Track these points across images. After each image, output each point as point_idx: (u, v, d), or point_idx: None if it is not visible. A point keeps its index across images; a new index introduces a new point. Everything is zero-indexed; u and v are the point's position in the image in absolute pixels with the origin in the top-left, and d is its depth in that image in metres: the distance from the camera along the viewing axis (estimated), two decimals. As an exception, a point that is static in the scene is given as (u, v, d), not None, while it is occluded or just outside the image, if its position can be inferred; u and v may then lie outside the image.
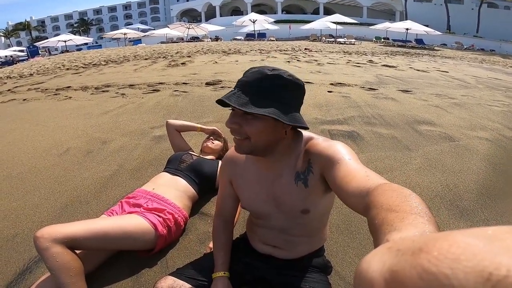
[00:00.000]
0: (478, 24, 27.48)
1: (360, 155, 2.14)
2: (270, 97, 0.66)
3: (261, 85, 0.66)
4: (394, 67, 6.62)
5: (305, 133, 0.79)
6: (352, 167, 0.61)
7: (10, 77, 7.86)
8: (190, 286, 0.88)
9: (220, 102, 0.68)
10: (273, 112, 0.65)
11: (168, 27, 21.16)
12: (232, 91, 0.67)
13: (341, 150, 0.68)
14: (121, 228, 1.12)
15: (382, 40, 19.27)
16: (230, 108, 0.70)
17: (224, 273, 0.89)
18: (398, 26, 18.27)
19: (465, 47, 20.12)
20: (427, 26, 19.60)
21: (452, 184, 1.77)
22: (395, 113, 3.06)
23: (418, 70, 6.37)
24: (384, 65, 6.80)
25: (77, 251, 1.01)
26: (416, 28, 17.50)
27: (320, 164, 0.70)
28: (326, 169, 0.67)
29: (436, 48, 17.23)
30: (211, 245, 1.22)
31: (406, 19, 21.05)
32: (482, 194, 1.68)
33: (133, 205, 1.32)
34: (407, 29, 17.37)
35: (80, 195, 1.71)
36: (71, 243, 0.98)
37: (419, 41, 17.98)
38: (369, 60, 7.67)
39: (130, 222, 1.17)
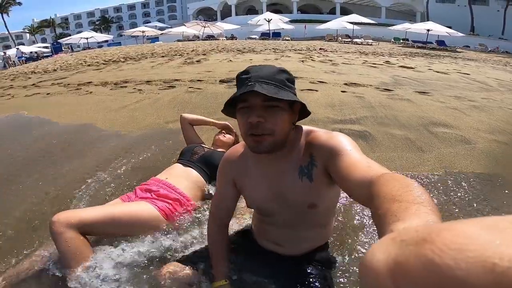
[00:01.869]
0: (504, 26, 26.17)
1: (371, 154, 2.13)
2: (286, 88, 0.69)
3: (277, 77, 0.68)
4: (412, 68, 6.44)
5: (305, 126, 0.79)
6: (354, 158, 0.61)
7: (35, 72, 8.27)
8: (195, 271, 0.91)
9: (233, 100, 0.69)
10: (299, 99, 0.70)
11: (185, 25, 21.54)
12: (250, 84, 0.66)
13: (342, 141, 0.68)
14: (131, 214, 1.18)
15: (401, 41, 18.73)
16: (244, 105, 0.69)
17: (225, 281, 0.88)
18: (418, 27, 17.67)
19: (489, 49, 19.22)
20: (449, 27, 18.86)
21: (465, 187, 1.73)
22: (410, 114, 3.00)
23: (438, 72, 6.17)
24: (401, 66, 6.63)
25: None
26: (437, 29, 16.87)
27: (322, 156, 0.70)
28: (329, 161, 0.67)
29: (458, 50, 16.57)
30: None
31: (428, 20, 20.34)
32: (494, 200, 1.63)
33: (145, 190, 1.38)
34: (428, 30, 16.78)
35: (99, 181, 1.81)
36: (84, 229, 1.04)
37: (441, 42, 17.32)
38: (386, 61, 7.50)
39: (140, 209, 1.23)
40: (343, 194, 1.25)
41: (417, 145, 2.30)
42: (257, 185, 0.83)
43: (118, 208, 1.21)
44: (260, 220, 0.93)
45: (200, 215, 1.46)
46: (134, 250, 1.21)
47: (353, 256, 1.17)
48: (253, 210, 0.97)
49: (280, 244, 0.90)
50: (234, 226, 1.25)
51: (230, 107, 0.73)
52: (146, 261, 1.18)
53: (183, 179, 1.49)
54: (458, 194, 1.66)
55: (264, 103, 0.67)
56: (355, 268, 1.10)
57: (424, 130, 2.61)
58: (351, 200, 1.51)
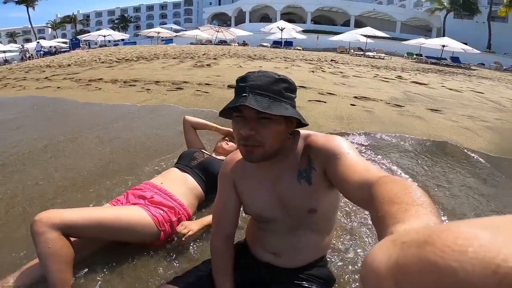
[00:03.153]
0: (521, 44, 25.71)
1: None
2: (283, 99, 0.68)
3: (273, 88, 0.66)
4: (424, 84, 6.33)
5: (302, 130, 0.79)
6: (353, 160, 0.61)
7: (50, 66, 8.48)
8: None
9: (225, 110, 0.68)
10: (294, 113, 0.68)
11: (199, 29, 21.85)
12: (243, 95, 0.65)
13: (340, 144, 0.67)
14: (121, 219, 1.10)
15: (415, 56, 18.53)
16: (238, 114, 0.68)
17: None
18: (433, 43, 17.45)
19: (504, 67, 18.83)
20: (465, 43, 18.59)
21: (472, 207, 1.63)
22: (421, 132, 2.91)
23: (451, 89, 6.04)
24: (413, 82, 6.52)
25: (72, 239, 1.00)
26: (453, 45, 16.61)
27: (321, 159, 0.70)
28: (327, 164, 0.67)
29: (472, 67, 16.29)
30: (179, 228, 1.19)
31: (444, 36, 20.09)
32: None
33: (139, 197, 1.31)
34: (443, 46, 16.56)
35: (93, 178, 1.78)
36: (68, 230, 0.97)
37: (455, 59, 17.06)
38: (398, 76, 7.40)
39: (132, 214, 1.16)
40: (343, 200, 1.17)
41: (425, 163, 2.20)
42: (256, 190, 0.81)
43: (106, 211, 1.15)
44: (258, 228, 0.89)
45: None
46: (118, 251, 1.17)
47: (351, 268, 1.12)
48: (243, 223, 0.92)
49: (278, 254, 0.86)
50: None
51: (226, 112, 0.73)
52: (130, 267, 1.13)
53: (180, 185, 1.43)
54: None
55: (257, 115, 0.66)
56: (353, 279, 1.03)
57: (435, 148, 2.51)
58: (350, 209, 1.44)
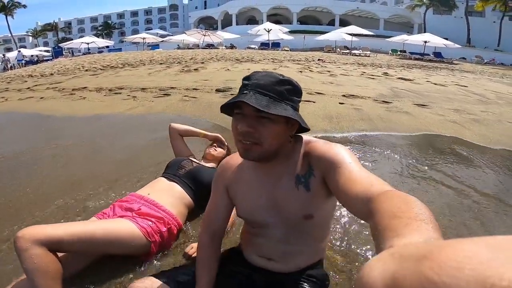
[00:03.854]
0: (499, 38, 26.64)
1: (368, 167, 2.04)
2: (284, 100, 0.67)
3: (276, 89, 0.66)
4: (410, 80, 6.45)
5: (305, 136, 0.78)
6: (354, 171, 0.59)
7: (32, 76, 8.23)
8: (170, 284, 0.83)
9: (226, 106, 0.69)
10: (293, 114, 0.67)
11: (186, 33, 21.73)
12: (244, 92, 0.66)
13: (342, 153, 0.67)
14: (108, 232, 1.07)
15: (399, 53, 18.95)
16: (239, 111, 0.68)
17: None
18: (416, 39, 17.93)
19: (485, 61, 19.48)
20: (446, 39, 19.13)
21: (462, 197, 1.64)
22: (409, 127, 2.94)
23: (436, 84, 6.18)
24: (399, 78, 6.64)
25: (60, 254, 0.97)
26: (434, 41, 17.12)
27: (321, 167, 0.69)
28: (327, 172, 0.66)
29: (455, 62, 16.77)
30: (187, 249, 1.22)
31: (425, 32, 20.68)
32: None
33: (126, 209, 1.27)
34: (425, 42, 17.02)
35: (79, 191, 1.70)
36: (54, 246, 0.94)
37: (438, 54, 17.56)
38: (384, 73, 7.52)
39: (119, 227, 1.12)
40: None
41: (415, 156, 2.22)
42: (251, 194, 0.80)
43: (93, 224, 1.11)
44: (251, 233, 0.88)
45: (185, 233, 1.37)
46: (111, 266, 1.15)
47: (347, 273, 1.10)
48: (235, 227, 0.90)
49: (272, 259, 0.84)
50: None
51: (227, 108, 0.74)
52: (123, 280, 1.10)
53: (167, 195, 1.39)
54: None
55: (256, 113, 0.66)
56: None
57: (423, 142, 2.54)
58: (347, 215, 1.43)
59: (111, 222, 1.17)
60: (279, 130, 0.68)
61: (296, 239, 0.81)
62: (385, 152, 2.29)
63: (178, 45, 21.96)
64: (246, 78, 0.70)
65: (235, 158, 0.86)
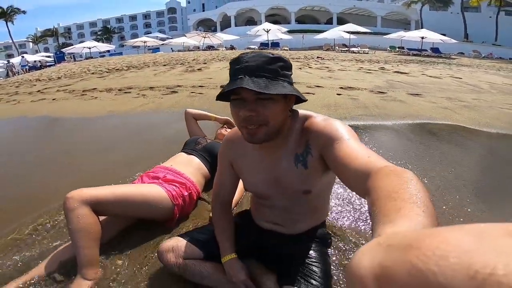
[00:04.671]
0: (496, 32, 26.79)
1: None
2: (279, 78, 0.68)
3: (269, 68, 0.67)
4: (406, 73, 6.65)
5: (301, 111, 0.79)
6: (352, 147, 0.59)
7: (40, 80, 8.48)
8: (194, 246, 0.93)
9: (223, 94, 0.70)
10: (291, 90, 0.68)
11: (185, 35, 21.98)
12: (239, 77, 0.65)
13: (340, 129, 0.66)
14: (141, 194, 1.22)
15: (397, 49, 19.14)
16: (237, 97, 0.68)
17: (234, 255, 0.89)
18: (413, 35, 18.10)
19: (483, 55, 19.63)
20: (444, 34, 19.30)
21: (452, 174, 1.86)
22: (402, 113, 3.16)
23: (431, 77, 6.37)
24: (395, 72, 6.85)
25: (100, 218, 1.08)
26: (431, 36, 17.28)
27: (318, 144, 0.70)
28: (325, 149, 0.66)
29: (452, 56, 16.94)
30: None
31: (422, 28, 20.89)
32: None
33: (153, 178, 1.45)
34: (422, 37, 17.20)
35: (106, 176, 1.93)
36: (97, 206, 1.05)
37: (435, 49, 17.72)
38: (381, 67, 7.73)
39: (150, 190, 1.28)
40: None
41: (407, 136, 2.45)
42: (254, 169, 0.85)
43: (129, 187, 1.26)
44: (257, 202, 0.95)
45: (202, 202, 1.55)
46: (139, 233, 1.28)
47: (348, 236, 1.23)
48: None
49: (278, 223, 0.92)
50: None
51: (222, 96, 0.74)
52: (151, 243, 1.24)
53: (187, 165, 1.58)
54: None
55: (255, 96, 0.66)
56: (349, 248, 1.17)
57: (415, 124, 2.77)
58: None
59: (143, 185, 1.33)
60: (280, 107, 0.68)
61: (297, 208, 0.87)
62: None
63: (171, 48, 22.25)
64: (235, 62, 0.68)
65: (238, 134, 0.85)
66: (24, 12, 37.47)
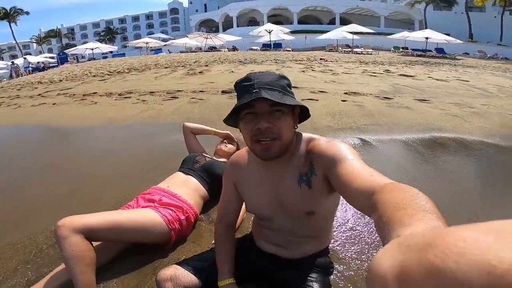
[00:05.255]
0: (501, 32, 26.46)
1: (371, 163, 2.15)
2: (287, 93, 0.73)
3: (279, 83, 0.72)
4: (411, 76, 6.52)
5: (305, 134, 0.81)
6: (356, 166, 0.60)
7: (41, 83, 8.46)
8: (192, 275, 0.91)
9: (234, 112, 0.73)
10: (301, 102, 0.73)
11: (188, 36, 21.96)
12: (254, 91, 0.68)
13: (343, 150, 0.68)
14: (135, 220, 1.19)
15: (401, 49, 18.93)
16: (249, 111, 0.71)
17: (232, 280, 0.89)
18: (417, 35, 17.90)
19: (488, 56, 19.38)
20: (448, 34, 19.08)
21: (461, 191, 1.75)
22: (410, 121, 3.04)
23: (437, 80, 6.24)
24: (401, 75, 6.71)
25: (94, 244, 1.07)
26: (436, 37, 17.06)
27: (322, 164, 0.71)
28: (329, 169, 0.67)
29: (457, 57, 16.71)
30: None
31: (426, 28, 20.67)
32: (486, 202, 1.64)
33: (148, 200, 1.40)
34: (426, 38, 16.99)
35: (99, 190, 1.85)
36: (89, 234, 1.04)
37: (440, 50, 17.49)
38: (386, 70, 7.60)
39: (143, 215, 1.24)
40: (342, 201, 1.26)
41: (417, 150, 2.33)
42: (257, 190, 0.85)
43: (122, 214, 1.22)
44: (260, 224, 0.94)
45: (200, 223, 1.49)
46: (131, 259, 1.24)
47: (352, 264, 1.18)
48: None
49: (280, 245, 0.91)
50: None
51: (232, 116, 0.76)
52: (147, 267, 1.20)
53: (184, 186, 1.51)
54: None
55: (270, 108, 0.69)
56: (353, 274, 1.11)
57: (424, 136, 2.64)
58: (350, 208, 1.54)
59: (136, 211, 1.28)
60: (290, 121, 0.73)
61: (300, 231, 0.86)
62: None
63: (168, 50, 22.24)
64: (246, 80, 0.72)
65: (242, 156, 0.90)
66: (27, 13, 37.63)
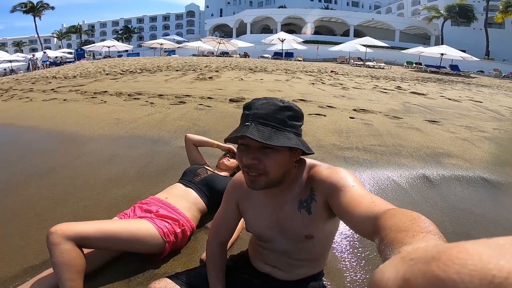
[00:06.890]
0: (519, 50, 25.90)
1: (375, 186, 2.09)
2: (286, 128, 0.69)
3: (277, 117, 0.68)
4: (423, 94, 6.40)
5: (308, 160, 0.81)
6: (357, 193, 0.61)
7: (56, 77, 8.68)
8: (183, 285, 0.90)
9: (230, 139, 0.71)
10: (297, 143, 0.69)
11: (201, 40, 22.27)
12: (246, 124, 0.67)
13: (344, 177, 0.68)
14: (130, 231, 1.18)
15: (414, 65, 18.72)
16: (243, 142, 0.70)
17: None
18: (432, 51, 17.66)
19: (503, 74, 18.95)
20: (464, 51, 18.76)
21: (465, 219, 1.67)
22: (419, 144, 2.96)
23: (450, 99, 6.10)
24: (412, 92, 6.60)
25: (84, 250, 1.07)
26: (451, 53, 16.78)
27: (323, 191, 0.71)
28: (330, 196, 0.68)
29: (472, 75, 16.40)
30: (203, 256, 1.28)
31: (442, 44, 20.37)
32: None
33: (145, 211, 1.39)
34: (442, 54, 16.73)
35: (97, 195, 1.84)
36: (81, 241, 1.04)
37: (454, 67, 17.19)
38: (397, 86, 7.50)
39: (139, 227, 1.23)
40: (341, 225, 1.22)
41: (424, 175, 2.25)
42: (258, 212, 0.86)
43: (116, 224, 1.22)
44: (258, 244, 0.95)
45: (196, 236, 1.48)
46: (127, 265, 1.25)
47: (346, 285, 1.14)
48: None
49: (276, 267, 0.91)
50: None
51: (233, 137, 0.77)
52: (138, 277, 1.20)
53: (183, 199, 1.50)
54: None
55: (260, 144, 0.67)
56: None
57: (432, 161, 2.56)
58: (349, 232, 1.49)
59: (132, 221, 1.28)
60: (283, 158, 0.69)
61: (298, 253, 0.87)
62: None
63: (194, 53, 22.50)
64: (246, 107, 0.71)
65: None
66: (52, 8, 38.48)
